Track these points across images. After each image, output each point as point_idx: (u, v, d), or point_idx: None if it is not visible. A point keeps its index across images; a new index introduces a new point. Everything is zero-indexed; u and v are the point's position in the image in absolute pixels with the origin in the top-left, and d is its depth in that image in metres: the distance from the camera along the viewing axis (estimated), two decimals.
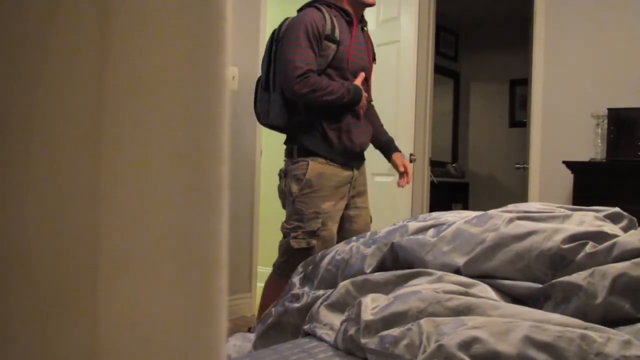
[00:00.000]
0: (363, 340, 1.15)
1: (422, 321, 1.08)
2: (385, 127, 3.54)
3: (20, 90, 0.27)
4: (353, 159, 2.34)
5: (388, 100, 3.48)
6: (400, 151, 2.64)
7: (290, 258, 2.17)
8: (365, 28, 2.42)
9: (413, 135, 3.38)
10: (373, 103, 2.52)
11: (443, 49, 5.85)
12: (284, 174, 2.30)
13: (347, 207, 2.34)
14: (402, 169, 2.52)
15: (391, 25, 3.49)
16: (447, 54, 6.00)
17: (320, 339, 1.33)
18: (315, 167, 2.21)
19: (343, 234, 2.32)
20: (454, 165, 6.02)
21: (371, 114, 2.58)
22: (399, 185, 2.55)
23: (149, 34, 0.28)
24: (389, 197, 3.42)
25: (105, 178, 0.28)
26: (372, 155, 3.58)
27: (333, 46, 2.20)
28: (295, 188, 2.20)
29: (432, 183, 3.77)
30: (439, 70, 4.81)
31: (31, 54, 0.27)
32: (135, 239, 0.29)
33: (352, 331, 1.20)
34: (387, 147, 2.59)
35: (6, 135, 0.27)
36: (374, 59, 2.49)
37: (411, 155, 3.34)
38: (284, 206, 2.31)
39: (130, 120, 0.28)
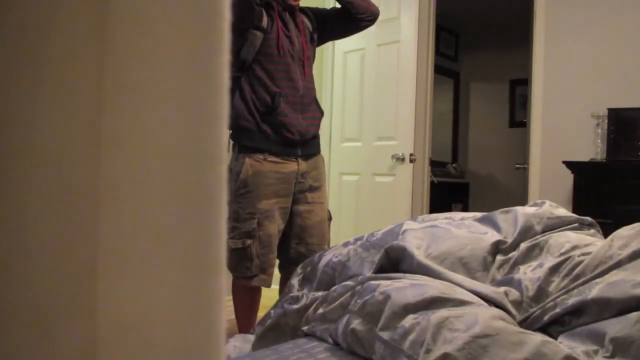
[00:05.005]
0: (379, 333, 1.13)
1: (433, 315, 1.07)
2: (385, 127, 3.55)
3: (20, 91, 0.27)
4: (294, 148, 2.26)
5: (388, 100, 3.48)
6: None
7: (228, 258, 2.15)
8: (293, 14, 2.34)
9: (413, 135, 3.38)
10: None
11: (443, 49, 5.85)
12: (228, 170, 2.27)
13: (296, 201, 2.29)
14: None
15: (391, 25, 3.49)
16: (447, 54, 6.00)
17: (321, 339, 1.33)
18: (253, 165, 2.17)
19: (293, 229, 2.29)
20: (454, 165, 6.02)
21: None
22: None
23: (148, 34, 0.28)
24: (389, 197, 3.42)
25: (104, 178, 0.28)
26: (372, 154, 3.59)
27: (259, 34, 2.19)
28: (233, 187, 2.19)
29: (432, 183, 3.76)
30: (439, 70, 4.81)
31: (31, 54, 0.27)
32: (134, 239, 0.29)
33: (354, 324, 1.20)
34: None
35: (6, 135, 0.27)
36: (312, 39, 2.38)
37: (411, 155, 3.34)
38: None
39: (129, 120, 0.28)
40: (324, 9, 2.52)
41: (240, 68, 2.21)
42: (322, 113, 2.42)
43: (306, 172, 2.29)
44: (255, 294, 2.29)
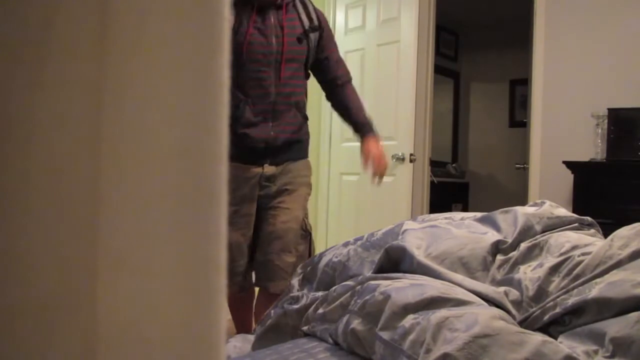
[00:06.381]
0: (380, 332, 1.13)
1: (432, 315, 1.07)
2: (385, 127, 3.54)
3: (20, 91, 0.27)
4: (259, 156, 2.07)
5: (388, 100, 3.48)
6: (375, 135, 2.24)
7: None
8: (279, 9, 2.07)
9: (413, 135, 3.38)
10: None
11: (443, 49, 5.85)
12: None
13: (261, 206, 2.11)
14: (367, 160, 2.19)
15: (391, 25, 3.49)
16: (447, 54, 6.00)
17: (321, 339, 1.33)
18: None
19: (261, 237, 2.12)
20: (454, 165, 6.02)
21: (345, 94, 2.29)
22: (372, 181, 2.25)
23: (148, 34, 0.28)
24: (389, 197, 3.42)
25: (104, 178, 0.28)
26: None
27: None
28: None
29: (432, 183, 3.77)
30: (439, 70, 4.81)
31: (31, 54, 0.27)
32: (134, 239, 0.29)
33: (354, 324, 1.20)
34: (359, 129, 2.27)
35: (6, 135, 0.27)
36: (300, 39, 2.10)
37: (411, 155, 3.34)
38: None
39: (129, 120, 0.28)
40: (325, 40, 2.21)
41: None
42: (304, 118, 2.19)
43: (273, 175, 2.10)
44: (243, 297, 2.22)
